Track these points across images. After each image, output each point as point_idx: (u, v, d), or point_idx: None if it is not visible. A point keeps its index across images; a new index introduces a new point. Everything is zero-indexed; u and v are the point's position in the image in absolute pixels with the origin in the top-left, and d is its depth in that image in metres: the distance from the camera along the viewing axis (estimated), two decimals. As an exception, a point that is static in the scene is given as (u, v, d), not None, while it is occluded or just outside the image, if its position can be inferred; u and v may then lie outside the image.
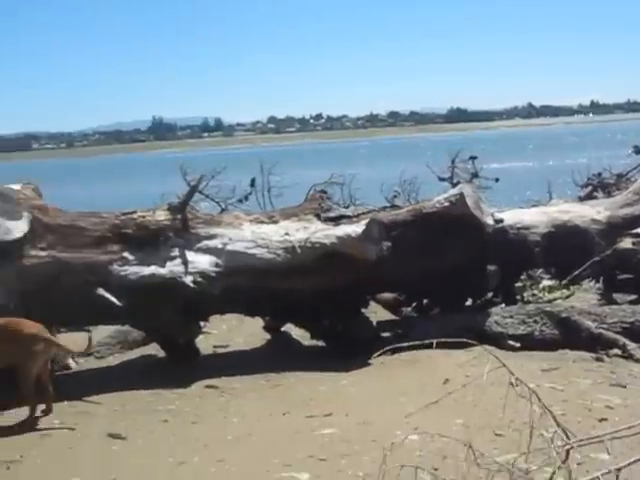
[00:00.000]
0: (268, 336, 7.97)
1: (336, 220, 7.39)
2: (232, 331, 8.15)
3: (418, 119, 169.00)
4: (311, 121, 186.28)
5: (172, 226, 7.03)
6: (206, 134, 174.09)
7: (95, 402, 6.16)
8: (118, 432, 5.46)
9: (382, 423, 5.37)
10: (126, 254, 6.80)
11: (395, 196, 8.71)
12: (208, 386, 6.50)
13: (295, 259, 7.06)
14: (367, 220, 7.17)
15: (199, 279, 6.79)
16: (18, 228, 6.41)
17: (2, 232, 6.28)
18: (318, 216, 7.41)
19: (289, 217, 7.43)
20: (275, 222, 7.35)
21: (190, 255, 6.91)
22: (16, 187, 6.76)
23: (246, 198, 8.28)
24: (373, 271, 7.11)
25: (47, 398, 5.82)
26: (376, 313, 8.09)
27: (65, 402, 6.13)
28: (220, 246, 7.02)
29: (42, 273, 6.45)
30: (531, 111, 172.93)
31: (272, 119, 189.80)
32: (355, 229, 7.06)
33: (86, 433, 5.51)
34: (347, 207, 7.74)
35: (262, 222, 7.35)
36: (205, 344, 7.59)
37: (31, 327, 5.76)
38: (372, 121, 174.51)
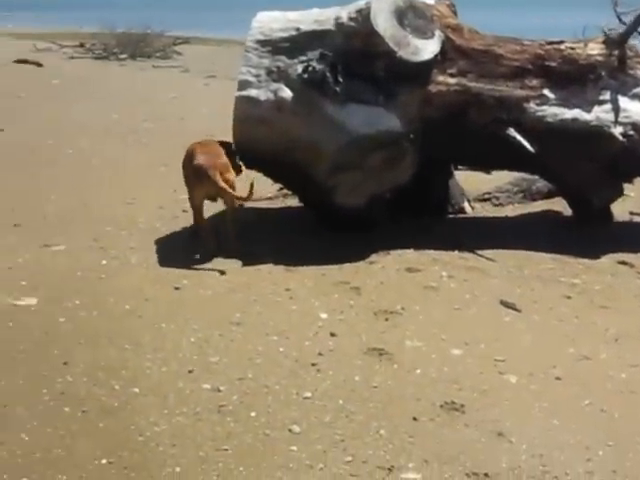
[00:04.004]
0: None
1: None
2: (651, 197, 6.76)
3: None
4: None
5: (606, 63, 5.76)
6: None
7: (488, 258, 5.42)
8: (512, 301, 4.69)
9: None
10: (546, 91, 5.74)
11: None
12: (621, 262, 5.43)
13: None
14: None
15: (630, 132, 5.55)
16: (428, 49, 5.62)
17: (410, 51, 5.52)
18: None
19: None
20: None
21: (623, 101, 5.66)
22: (430, 1, 5.93)
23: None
24: None
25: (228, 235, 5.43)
26: None
27: (456, 252, 5.50)
28: (664, 94, 5.65)
29: (448, 103, 5.67)
30: None
31: None
32: None
33: (475, 294, 4.82)
34: None
35: None
36: (620, 209, 6.29)
37: (204, 158, 5.25)
38: None
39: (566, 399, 3.60)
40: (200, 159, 5.27)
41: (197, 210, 5.46)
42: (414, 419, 3.38)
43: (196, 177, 5.29)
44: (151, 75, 16.58)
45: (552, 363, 3.92)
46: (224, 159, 5.32)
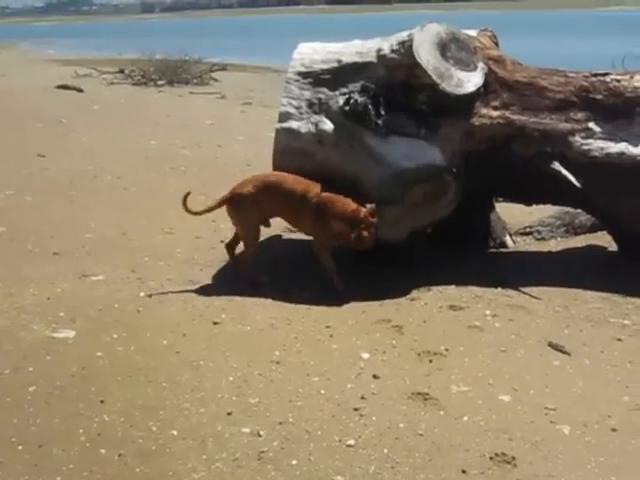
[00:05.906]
0: None
1: None
2: None
3: None
4: None
5: (653, 96, 5.62)
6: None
7: (533, 296, 5.27)
8: (561, 343, 4.52)
9: None
10: (592, 125, 5.61)
11: None
12: (672, 300, 5.23)
13: None
14: None
15: (680, 167, 5.39)
16: (471, 81, 5.52)
17: (453, 84, 5.43)
18: None
19: None
20: None
21: (671, 135, 5.50)
22: (472, 33, 5.85)
23: None
24: None
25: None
26: None
27: (499, 289, 5.36)
28: None
29: (491, 136, 5.56)
30: None
31: None
32: None
33: (522, 335, 4.66)
34: None
35: None
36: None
37: (238, 187, 5.41)
38: None
39: (624, 453, 3.42)
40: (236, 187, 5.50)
41: None
42: (463, 472, 3.23)
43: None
44: (188, 101, 16.67)
45: (606, 412, 3.74)
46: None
